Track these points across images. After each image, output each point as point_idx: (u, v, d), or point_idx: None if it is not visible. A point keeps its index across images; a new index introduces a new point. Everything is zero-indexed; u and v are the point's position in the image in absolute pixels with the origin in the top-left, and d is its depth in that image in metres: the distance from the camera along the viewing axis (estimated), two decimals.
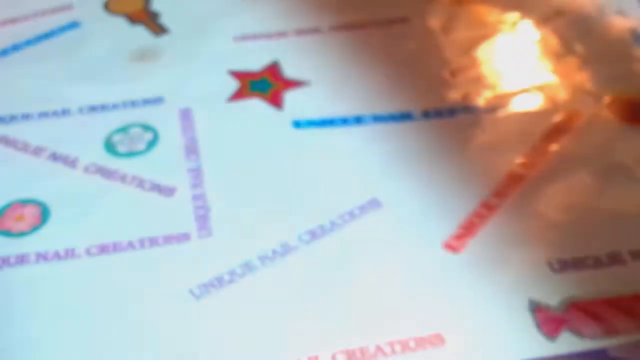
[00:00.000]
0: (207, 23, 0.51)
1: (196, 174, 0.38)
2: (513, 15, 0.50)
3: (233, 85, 0.45)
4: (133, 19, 0.52)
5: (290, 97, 0.43)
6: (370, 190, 0.37)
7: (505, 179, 0.37)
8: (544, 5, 0.51)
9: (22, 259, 0.34)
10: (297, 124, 0.41)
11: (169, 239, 0.35)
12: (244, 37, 0.49)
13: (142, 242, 0.35)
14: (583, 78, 0.43)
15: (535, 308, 0.30)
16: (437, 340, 0.29)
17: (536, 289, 0.31)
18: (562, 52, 0.45)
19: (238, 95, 0.44)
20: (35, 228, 0.36)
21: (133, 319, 0.31)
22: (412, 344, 0.29)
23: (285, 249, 0.34)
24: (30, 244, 0.35)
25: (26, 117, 0.43)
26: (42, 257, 0.34)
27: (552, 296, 0.31)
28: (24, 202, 0.37)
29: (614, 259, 0.32)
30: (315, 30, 0.50)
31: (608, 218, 0.35)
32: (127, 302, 0.32)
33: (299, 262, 0.33)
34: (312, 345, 0.30)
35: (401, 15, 0.51)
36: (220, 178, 0.38)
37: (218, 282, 0.32)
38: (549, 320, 0.29)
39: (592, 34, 0.47)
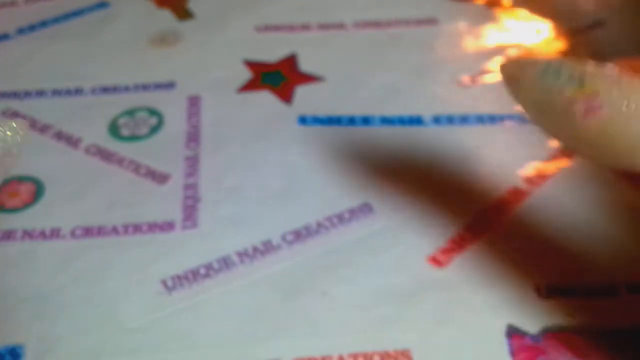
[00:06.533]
0: (232, 10, 0.50)
1: (192, 162, 0.38)
2: (547, 23, 0.47)
3: (246, 75, 0.44)
4: (161, 2, 0.52)
5: (302, 92, 0.42)
6: (364, 194, 0.35)
7: (507, 193, 0.35)
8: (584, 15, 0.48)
9: (8, 236, 0.34)
10: (303, 121, 0.40)
11: (152, 227, 0.34)
12: (267, 28, 0.49)
13: (126, 228, 0.34)
14: None
15: (512, 334, 0.28)
16: (404, 357, 0.28)
17: (518, 315, 0.29)
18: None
19: (249, 86, 0.43)
20: (27, 205, 0.36)
21: (100, 304, 0.31)
22: (376, 358, 0.28)
23: (267, 248, 0.33)
24: (19, 221, 0.35)
25: (40, 94, 0.43)
26: (27, 235, 0.34)
27: (534, 323, 0.29)
28: (21, 179, 0.37)
29: (609, 290, 0.30)
30: (339, 26, 0.49)
31: (610, 247, 0.32)
32: (97, 288, 0.31)
33: (278, 262, 0.32)
34: (274, 349, 0.29)
35: (431, 16, 0.49)
36: (215, 169, 0.37)
37: (192, 276, 0.32)
38: (523, 349, 0.28)
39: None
